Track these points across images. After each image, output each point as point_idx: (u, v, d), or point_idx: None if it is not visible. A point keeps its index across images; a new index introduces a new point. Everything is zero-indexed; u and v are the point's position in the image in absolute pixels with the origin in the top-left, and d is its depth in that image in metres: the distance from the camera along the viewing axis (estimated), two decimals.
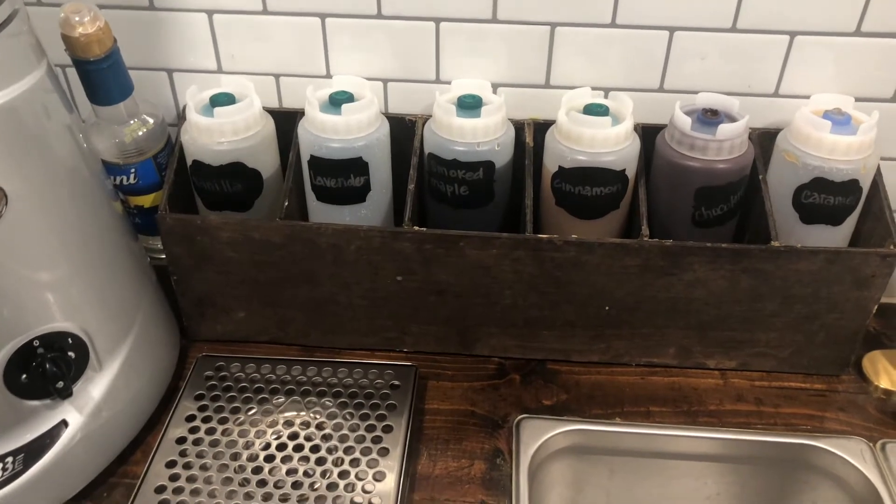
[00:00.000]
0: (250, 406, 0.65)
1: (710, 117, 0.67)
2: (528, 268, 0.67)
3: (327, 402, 0.65)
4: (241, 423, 0.63)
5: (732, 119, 0.67)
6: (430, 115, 0.69)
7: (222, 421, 0.64)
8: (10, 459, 0.55)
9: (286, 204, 0.67)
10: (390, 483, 0.59)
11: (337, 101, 0.65)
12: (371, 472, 0.60)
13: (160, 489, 0.58)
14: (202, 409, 0.65)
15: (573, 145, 0.66)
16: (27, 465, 0.56)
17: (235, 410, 0.65)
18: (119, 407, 0.61)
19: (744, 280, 0.66)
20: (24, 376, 0.54)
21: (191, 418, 0.64)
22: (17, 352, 0.53)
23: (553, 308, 0.69)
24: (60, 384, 0.55)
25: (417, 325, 0.71)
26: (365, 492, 0.58)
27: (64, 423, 0.57)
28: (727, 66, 0.70)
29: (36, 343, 0.54)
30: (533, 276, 0.67)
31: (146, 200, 0.71)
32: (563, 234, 0.66)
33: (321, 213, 0.69)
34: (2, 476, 0.55)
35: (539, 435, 0.66)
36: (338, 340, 0.72)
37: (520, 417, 0.67)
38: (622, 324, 0.70)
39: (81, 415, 0.58)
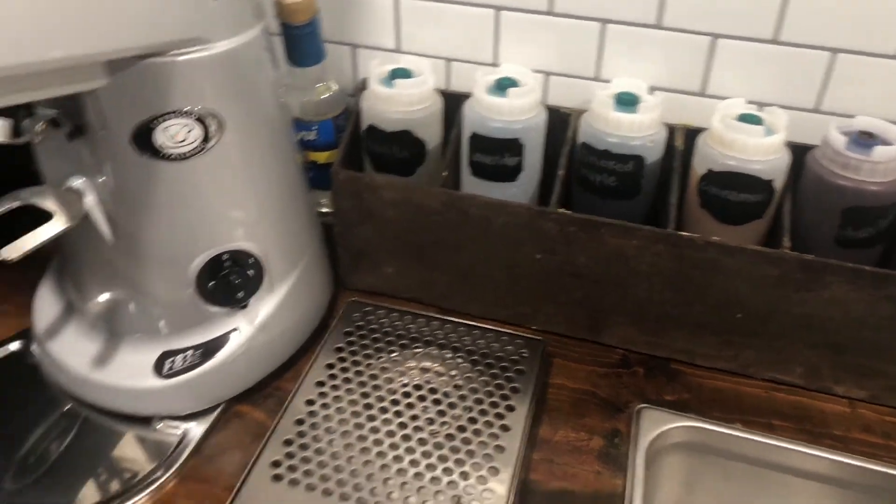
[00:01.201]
0: (391, 349, 0.71)
1: (865, 139, 0.67)
2: (665, 263, 0.69)
3: (459, 359, 0.71)
4: (380, 363, 0.70)
5: (888, 145, 0.67)
6: (586, 110, 0.73)
7: (366, 356, 0.70)
8: (190, 352, 0.64)
9: (445, 174, 0.73)
10: (515, 436, 0.63)
11: (502, 85, 0.71)
12: (497, 423, 0.64)
13: (309, 402, 0.65)
14: (349, 343, 0.72)
15: (725, 150, 0.68)
16: (203, 360, 0.64)
17: (378, 350, 0.71)
18: (281, 327, 0.69)
19: (885, 307, 0.65)
20: (211, 283, 0.63)
21: (339, 349, 0.71)
22: (209, 261, 0.62)
23: (685, 307, 0.71)
24: (241, 294, 0.63)
25: (550, 304, 0.75)
26: (491, 436, 0.63)
27: (236, 331, 0.65)
28: (888, 93, 0.71)
29: (225, 257, 0.63)
30: (670, 272, 0.69)
31: (321, 157, 0.80)
32: (704, 235, 0.68)
33: (473, 187, 0.75)
34: (182, 364, 0.64)
35: (658, 425, 0.67)
36: (472, 307, 0.77)
37: (641, 405, 0.69)
38: (753, 333, 0.71)
39: (251, 326, 0.66)
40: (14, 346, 0.72)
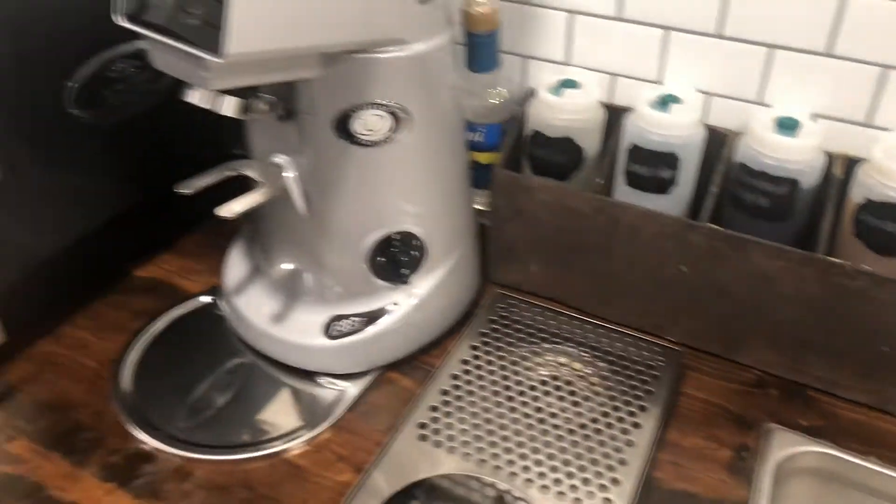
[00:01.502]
0: (531, 340, 0.76)
1: None
2: (812, 288, 0.69)
3: (595, 358, 0.74)
4: (520, 351, 0.75)
5: None
6: (743, 132, 0.75)
7: (508, 343, 0.76)
8: (355, 319, 0.72)
9: (600, 181, 0.77)
10: (644, 433, 0.67)
11: (665, 101, 0.75)
12: (629, 419, 0.68)
13: (453, 377, 0.72)
14: (493, 330, 0.77)
15: (886, 180, 0.68)
16: (365, 326, 0.72)
17: (519, 340, 0.76)
18: (434, 307, 0.75)
19: None
20: (381, 259, 0.70)
21: (483, 334, 0.77)
22: (381, 240, 0.70)
23: (828, 335, 0.71)
24: (405, 271, 0.70)
25: (689, 317, 0.77)
26: (622, 431, 0.67)
27: (396, 304, 0.73)
28: None
29: (395, 237, 0.70)
30: (815, 297, 0.69)
31: (483, 157, 0.86)
32: (855, 264, 0.68)
33: (626, 196, 0.78)
34: (348, 329, 0.72)
35: (790, 446, 0.68)
36: (611, 312, 0.81)
37: (773, 425, 0.70)
38: None
39: (409, 302, 0.73)
40: (205, 299, 0.83)
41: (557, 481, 0.63)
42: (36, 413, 0.70)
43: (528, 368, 0.73)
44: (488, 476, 0.63)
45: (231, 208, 0.64)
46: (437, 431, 0.66)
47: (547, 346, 0.76)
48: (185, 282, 0.86)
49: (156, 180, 0.84)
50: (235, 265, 0.80)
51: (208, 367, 0.76)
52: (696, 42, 0.79)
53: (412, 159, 0.68)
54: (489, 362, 0.74)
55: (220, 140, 0.85)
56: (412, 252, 0.71)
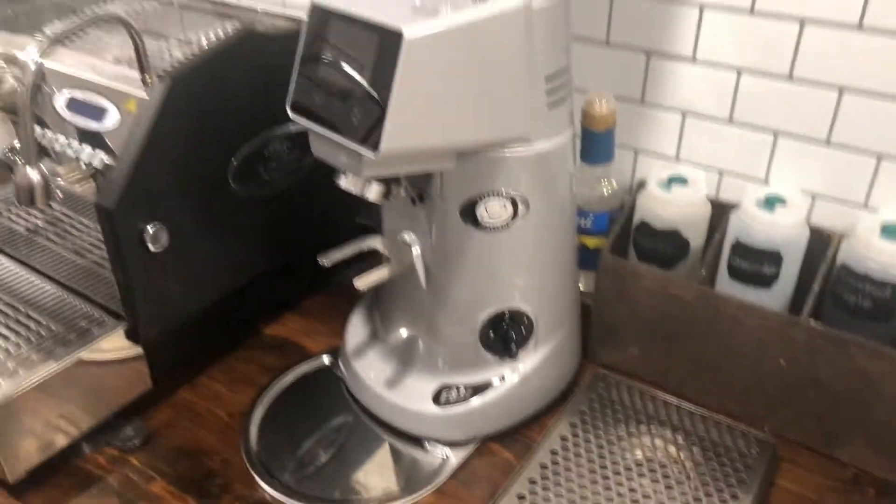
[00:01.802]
0: (628, 421, 0.79)
1: None
2: None
3: (689, 443, 0.77)
4: (617, 431, 0.78)
5: None
6: (848, 234, 0.78)
7: (604, 423, 0.79)
8: (462, 388, 0.78)
9: (703, 273, 0.81)
10: None
11: (771, 201, 0.78)
12: None
13: (553, 452, 0.76)
14: (591, 409, 0.81)
15: None
16: (471, 397, 0.77)
17: (616, 420, 0.80)
18: (537, 383, 0.80)
19: None
20: (492, 333, 0.76)
21: (582, 412, 0.81)
22: (493, 316, 0.76)
23: None
24: (513, 346, 0.75)
25: (786, 409, 0.79)
26: None
27: (502, 378, 0.78)
28: None
29: (506, 314, 0.76)
30: None
31: (590, 241, 0.91)
32: None
33: (728, 287, 0.82)
34: (456, 398, 0.77)
35: None
36: (707, 400, 0.83)
37: None
38: None
39: (514, 376, 0.78)
40: (326, 359, 0.91)
41: None
42: (174, 457, 0.78)
43: (623, 449, 0.76)
44: None
45: (365, 281, 0.71)
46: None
47: (643, 427, 0.79)
48: (309, 341, 0.94)
49: (290, 246, 0.93)
50: (356, 329, 0.87)
51: (322, 425, 0.82)
52: (805, 147, 0.82)
53: (528, 243, 0.74)
54: (587, 440, 0.77)
55: (349, 212, 0.95)
56: (521, 328, 0.76)
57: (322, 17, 0.64)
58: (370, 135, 0.59)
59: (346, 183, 0.67)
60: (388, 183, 0.68)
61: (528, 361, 0.78)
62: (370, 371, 0.82)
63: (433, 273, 0.75)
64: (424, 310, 0.78)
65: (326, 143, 0.64)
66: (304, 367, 0.89)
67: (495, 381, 0.78)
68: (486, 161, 0.68)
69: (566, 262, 0.80)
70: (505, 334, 0.76)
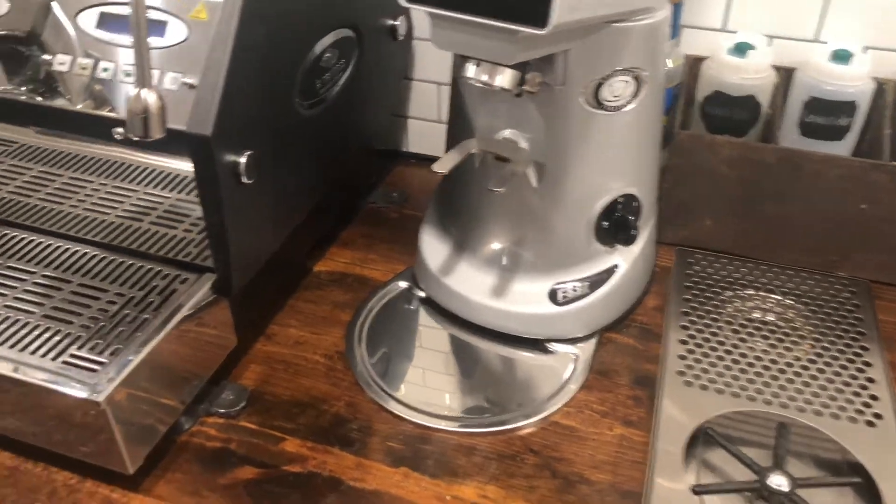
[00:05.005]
0: (734, 289, 0.80)
1: None
2: None
3: (794, 299, 0.79)
4: (729, 300, 0.79)
5: None
6: None
7: (713, 293, 0.80)
8: (579, 284, 0.75)
9: (777, 135, 0.82)
10: (878, 370, 0.71)
11: (842, 55, 0.80)
12: (857, 361, 0.72)
13: (683, 327, 0.76)
14: (694, 283, 0.81)
15: None
16: (590, 290, 0.75)
17: (722, 289, 0.80)
18: (643, 266, 0.80)
19: None
20: (606, 223, 0.73)
21: (686, 287, 0.81)
22: (609, 203, 0.73)
23: None
24: (633, 232, 0.73)
25: (863, 252, 0.82)
26: (849, 362, 0.72)
27: (616, 267, 0.76)
28: None
29: (620, 200, 0.73)
30: None
31: None
32: None
33: (797, 145, 0.83)
34: (574, 294, 0.74)
35: None
36: (781, 257, 0.85)
37: None
38: None
39: (626, 263, 0.76)
40: (401, 283, 0.84)
41: (825, 405, 0.67)
42: (291, 412, 0.71)
43: (741, 313, 0.77)
44: (765, 409, 0.67)
45: (444, 163, 0.66)
46: (697, 377, 0.70)
47: (747, 292, 0.80)
48: (367, 270, 0.87)
49: (334, 174, 0.85)
50: (432, 248, 0.81)
51: (426, 347, 0.78)
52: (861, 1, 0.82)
53: (639, 122, 0.71)
54: (707, 311, 0.78)
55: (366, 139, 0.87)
56: (632, 214, 0.74)
57: None
58: (533, 10, 0.53)
59: (471, 72, 0.60)
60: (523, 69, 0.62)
61: (636, 246, 0.77)
62: (466, 284, 0.77)
63: (546, 170, 0.71)
64: (532, 211, 0.74)
65: (462, 31, 0.57)
66: (382, 295, 0.83)
67: (613, 271, 0.75)
68: (612, 35, 0.64)
69: (659, 141, 0.78)
70: (621, 221, 0.73)
